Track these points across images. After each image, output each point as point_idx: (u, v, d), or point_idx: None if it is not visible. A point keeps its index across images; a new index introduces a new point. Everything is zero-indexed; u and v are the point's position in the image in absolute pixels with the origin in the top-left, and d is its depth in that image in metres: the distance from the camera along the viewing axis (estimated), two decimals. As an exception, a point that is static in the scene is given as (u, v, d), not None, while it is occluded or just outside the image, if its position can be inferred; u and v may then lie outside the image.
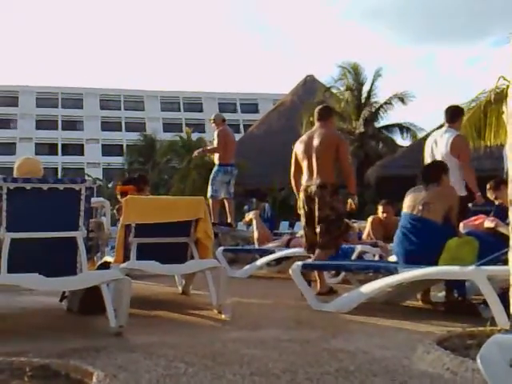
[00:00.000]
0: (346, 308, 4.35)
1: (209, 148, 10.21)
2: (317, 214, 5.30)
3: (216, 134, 10.01)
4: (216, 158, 9.86)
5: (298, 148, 5.58)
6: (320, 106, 6.00)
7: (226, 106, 58.66)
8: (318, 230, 5.31)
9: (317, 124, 5.67)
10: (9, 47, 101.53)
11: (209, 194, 9.80)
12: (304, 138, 5.68)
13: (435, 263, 4.26)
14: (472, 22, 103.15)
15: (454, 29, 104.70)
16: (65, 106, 60.46)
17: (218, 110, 45.77)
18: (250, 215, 8.78)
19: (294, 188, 5.74)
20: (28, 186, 3.64)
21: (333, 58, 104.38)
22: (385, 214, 7.41)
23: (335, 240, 5.38)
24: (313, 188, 5.36)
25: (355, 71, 26.88)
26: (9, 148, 54.10)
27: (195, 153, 11.23)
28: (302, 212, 5.55)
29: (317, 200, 5.31)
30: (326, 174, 5.33)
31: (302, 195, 5.50)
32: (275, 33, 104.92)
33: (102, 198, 5.02)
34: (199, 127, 46.91)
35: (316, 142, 5.40)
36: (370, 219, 7.64)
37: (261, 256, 7.37)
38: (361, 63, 27.70)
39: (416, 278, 4.19)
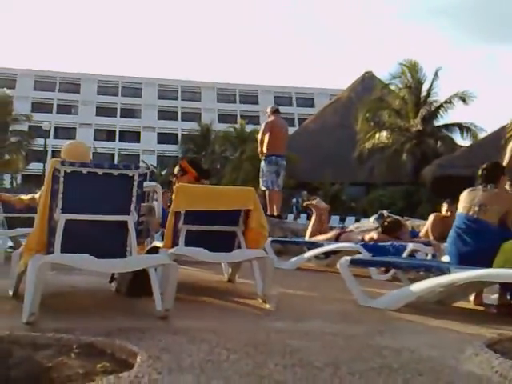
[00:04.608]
0: (394, 305, 4.25)
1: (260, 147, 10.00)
2: None
3: (263, 124, 9.97)
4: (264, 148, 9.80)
5: None
6: None
7: (281, 99, 58.55)
8: None
9: None
10: (74, 35, 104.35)
11: (261, 186, 9.80)
12: None
13: (489, 265, 4.13)
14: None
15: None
16: (124, 94, 61.70)
17: (273, 103, 45.95)
18: (314, 202, 8.40)
19: None
20: (84, 170, 3.71)
21: (391, 55, 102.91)
22: (449, 213, 7.27)
23: None
24: None
25: (414, 69, 26.37)
26: (69, 133, 55.64)
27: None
28: None
29: None
30: None
31: None
32: (335, 28, 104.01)
33: (154, 183, 5.04)
34: (254, 119, 47.09)
35: None
36: (431, 217, 7.44)
37: (309, 249, 7.31)
38: (420, 61, 27.08)
39: (468, 280, 4.06)
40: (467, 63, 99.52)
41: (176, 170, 5.81)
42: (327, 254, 7.29)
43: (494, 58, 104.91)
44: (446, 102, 26.13)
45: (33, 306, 3.24)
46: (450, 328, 3.67)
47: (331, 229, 8.54)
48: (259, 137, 9.91)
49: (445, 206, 7.39)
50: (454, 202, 7.30)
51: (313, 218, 8.06)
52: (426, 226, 7.44)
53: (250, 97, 63.36)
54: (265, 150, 9.70)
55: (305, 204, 9.80)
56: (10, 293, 4.08)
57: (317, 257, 7.40)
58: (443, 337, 3.40)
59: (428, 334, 3.48)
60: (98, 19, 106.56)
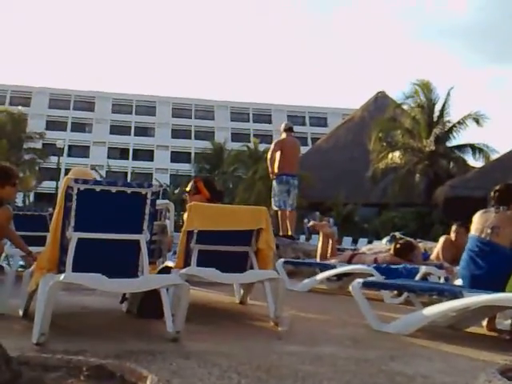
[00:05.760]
0: (406, 330, 4.20)
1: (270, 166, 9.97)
2: None
3: (273, 143, 9.96)
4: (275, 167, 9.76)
5: None
6: None
7: (294, 118, 58.66)
8: None
9: None
10: (89, 54, 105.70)
11: (273, 206, 9.77)
12: None
13: (502, 289, 4.08)
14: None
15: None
16: (138, 112, 62.20)
17: (286, 122, 46.07)
18: (314, 224, 8.44)
19: None
20: (97, 188, 3.72)
21: (404, 75, 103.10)
22: (456, 236, 7.18)
23: None
24: None
25: (427, 89, 26.34)
26: (83, 151, 56.19)
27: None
28: None
29: None
30: None
31: None
32: (348, 48, 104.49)
33: (167, 200, 5.05)
34: (267, 138, 47.18)
35: None
36: (442, 239, 7.37)
37: (321, 270, 7.25)
38: (433, 81, 27.04)
39: (481, 304, 4.01)
40: (478, 84, 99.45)
41: (189, 186, 5.77)
42: (339, 277, 7.23)
43: (506, 79, 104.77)
44: (459, 122, 26.01)
45: (43, 326, 3.22)
46: (463, 354, 3.62)
47: (342, 251, 8.50)
48: (269, 155, 9.86)
49: (453, 229, 7.30)
50: (465, 223, 7.25)
51: (320, 240, 8.02)
52: (436, 249, 7.37)
53: (263, 116, 63.64)
54: (276, 170, 9.66)
55: (309, 225, 9.76)
56: (21, 313, 4.08)
57: (329, 279, 7.33)
58: (456, 363, 3.35)
59: (441, 359, 3.43)
60: (113, 38, 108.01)
